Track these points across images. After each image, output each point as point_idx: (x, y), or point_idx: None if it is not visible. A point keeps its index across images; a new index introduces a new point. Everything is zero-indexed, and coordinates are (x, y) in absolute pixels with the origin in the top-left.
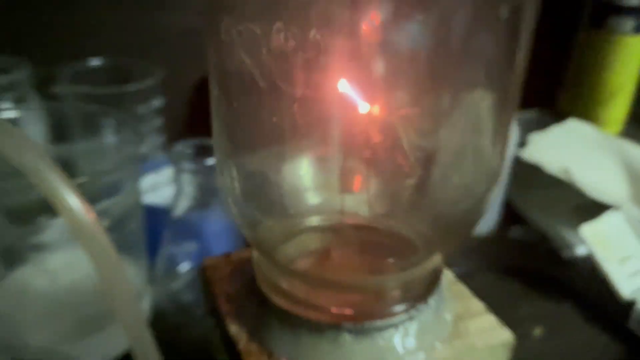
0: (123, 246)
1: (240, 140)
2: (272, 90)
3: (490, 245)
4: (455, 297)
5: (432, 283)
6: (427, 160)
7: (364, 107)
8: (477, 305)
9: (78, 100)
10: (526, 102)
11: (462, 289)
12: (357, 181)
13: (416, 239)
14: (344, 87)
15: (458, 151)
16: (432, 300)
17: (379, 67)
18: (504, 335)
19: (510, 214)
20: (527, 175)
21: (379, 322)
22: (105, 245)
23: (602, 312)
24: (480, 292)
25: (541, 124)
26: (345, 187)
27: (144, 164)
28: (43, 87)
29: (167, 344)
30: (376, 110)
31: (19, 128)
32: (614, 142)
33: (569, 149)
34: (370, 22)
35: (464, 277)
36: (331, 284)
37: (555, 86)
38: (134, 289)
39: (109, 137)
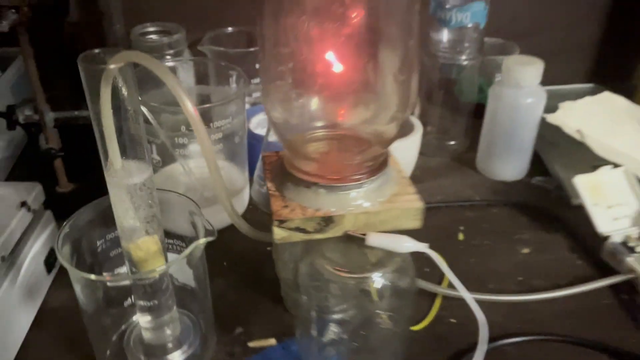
0: (230, 153)
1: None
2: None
3: (515, 187)
4: (399, 184)
5: (377, 169)
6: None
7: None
8: (411, 190)
9: (216, 57)
10: (605, 75)
11: (407, 181)
12: (341, 111)
13: (369, 139)
14: (329, 55)
15: (387, 93)
16: (378, 180)
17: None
18: (417, 205)
19: (539, 166)
20: (554, 135)
21: (342, 184)
22: (203, 131)
23: (583, 244)
24: (494, 218)
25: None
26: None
27: (257, 107)
28: (193, 46)
29: (257, 222)
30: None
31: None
32: None
33: (594, 116)
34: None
35: (490, 206)
36: (319, 160)
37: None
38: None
39: (232, 84)
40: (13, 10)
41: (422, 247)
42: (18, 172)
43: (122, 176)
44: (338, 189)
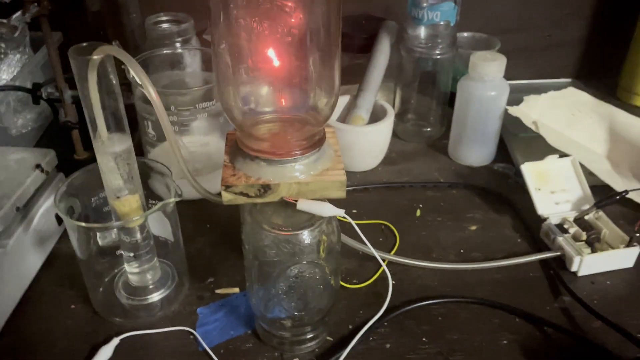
0: (216, 130)
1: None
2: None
3: (478, 172)
4: (332, 161)
5: (311, 147)
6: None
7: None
8: (340, 166)
9: None
10: (594, 72)
11: (339, 159)
12: (281, 98)
13: (306, 119)
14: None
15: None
16: (312, 156)
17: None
18: (341, 179)
19: (504, 154)
20: (517, 125)
21: (280, 158)
22: (164, 114)
23: (526, 224)
24: (452, 198)
25: None
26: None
27: None
28: (200, 34)
29: None
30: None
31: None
32: (605, 107)
33: (556, 109)
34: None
35: (449, 188)
36: (262, 138)
37: (619, 61)
38: None
39: None
40: (35, 4)
41: (340, 212)
42: (45, 142)
43: (108, 145)
44: (276, 162)
